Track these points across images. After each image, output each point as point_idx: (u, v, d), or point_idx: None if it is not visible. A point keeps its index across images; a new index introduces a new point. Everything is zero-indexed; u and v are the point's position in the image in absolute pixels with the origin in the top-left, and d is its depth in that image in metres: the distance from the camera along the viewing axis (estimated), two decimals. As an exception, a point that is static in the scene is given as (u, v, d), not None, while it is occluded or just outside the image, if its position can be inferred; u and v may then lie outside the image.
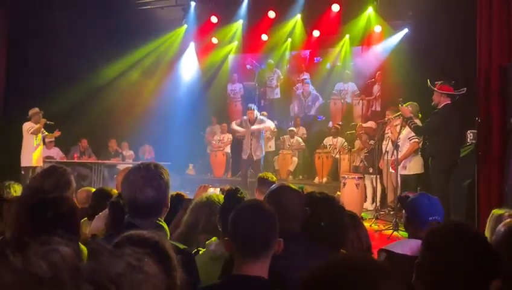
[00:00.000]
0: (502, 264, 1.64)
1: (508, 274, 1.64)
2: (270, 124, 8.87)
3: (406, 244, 2.24)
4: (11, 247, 0.57)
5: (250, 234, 1.60)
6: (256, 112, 8.69)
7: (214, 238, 2.35)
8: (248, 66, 12.45)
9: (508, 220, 1.87)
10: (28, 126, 8.19)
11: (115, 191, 3.22)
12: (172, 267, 1.31)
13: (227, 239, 1.67)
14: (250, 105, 8.89)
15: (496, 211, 2.39)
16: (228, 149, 10.96)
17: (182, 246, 1.89)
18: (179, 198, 3.27)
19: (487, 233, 2.31)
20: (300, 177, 10.53)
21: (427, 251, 1.42)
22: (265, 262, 1.61)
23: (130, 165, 9.26)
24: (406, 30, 9.89)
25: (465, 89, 5.60)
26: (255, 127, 8.51)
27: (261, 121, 8.63)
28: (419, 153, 6.74)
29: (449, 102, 5.62)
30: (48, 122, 8.37)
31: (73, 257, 0.58)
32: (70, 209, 1.70)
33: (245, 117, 8.85)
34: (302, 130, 11.02)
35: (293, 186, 2.09)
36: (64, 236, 1.63)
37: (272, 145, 10.71)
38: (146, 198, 1.81)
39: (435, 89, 5.65)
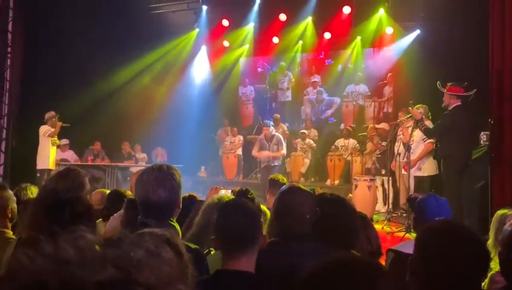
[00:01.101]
0: (509, 263, 1.65)
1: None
2: (283, 153, 8.84)
3: (413, 245, 2.26)
4: (43, 235, 0.63)
5: (233, 229, 1.67)
6: (271, 128, 8.78)
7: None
8: (259, 69, 12.50)
9: (516, 220, 1.88)
10: (44, 129, 8.34)
11: (129, 193, 3.28)
12: (184, 263, 1.35)
13: (214, 237, 1.73)
14: (266, 122, 8.99)
15: (500, 211, 2.39)
16: (240, 151, 11.00)
17: (193, 246, 1.93)
18: (191, 199, 3.31)
19: (491, 233, 2.32)
20: (312, 179, 10.52)
21: (419, 249, 1.45)
22: (250, 257, 1.67)
23: (143, 168, 9.32)
24: (417, 31, 9.84)
25: (475, 90, 5.56)
26: (270, 154, 8.65)
27: (278, 141, 8.69)
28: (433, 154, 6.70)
29: (459, 103, 5.58)
30: (64, 124, 8.51)
31: (98, 242, 0.63)
32: (87, 208, 1.75)
33: (260, 136, 8.93)
34: (314, 132, 11.01)
35: (303, 187, 2.12)
36: (89, 225, 1.69)
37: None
38: (159, 198, 1.86)
39: (444, 90, 5.62)
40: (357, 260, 1.08)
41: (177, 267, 0.70)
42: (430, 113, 6.63)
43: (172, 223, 1.96)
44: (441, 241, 1.39)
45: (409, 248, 2.23)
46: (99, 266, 0.60)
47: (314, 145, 10.51)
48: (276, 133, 8.88)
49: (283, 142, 8.79)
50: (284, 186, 2.17)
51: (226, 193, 3.45)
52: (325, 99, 11.54)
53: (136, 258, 0.64)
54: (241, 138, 11.06)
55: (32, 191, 3.27)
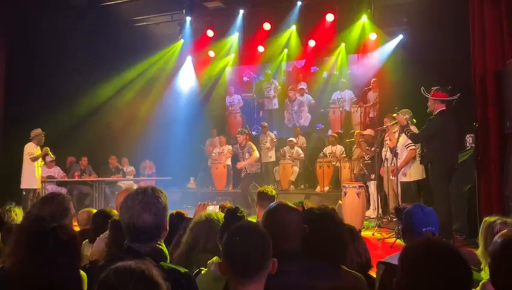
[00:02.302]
0: (499, 275, 1.65)
1: (505, 286, 1.65)
2: (256, 155, 9.05)
3: None
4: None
5: (245, 256, 1.62)
6: (243, 137, 9.05)
7: (215, 258, 2.36)
8: (245, 78, 12.53)
9: (505, 231, 1.88)
10: (29, 149, 8.16)
11: (115, 212, 3.23)
12: None
13: (222, 261, 1.69)
14: (239, 130, 9.31)
15: (487, 219, 2.41)
16: (229, 161, 10.96)
17: (183, 270, 1.90)
18: (179, 216, 3.28)
19: (480, 242, 2.32)
20: (302, 186, 10.53)
21: (402, 272, 1.45)
22: (260, 282, 1.64)
23: (132, 182, 9.18)
24: (400, 36, 9.96)
25: (458, 94, 5.62)
26: (243, 163, 9.02)
27: (249, 149, 9.02)
28: (419, 159, 6.74)
29: (444, 108, 5.63)
30: (49, 152, 8.35)
31: None
32: (71, 237, 1.72)
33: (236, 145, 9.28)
34: (302, 140, 11.04)
35: (290, 205, 2.10)
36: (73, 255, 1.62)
37: (272, 156, 10.72)
38: (144, 223, 1.82)
39: (429, 96, 5.67)
40: None
41: None
42: (414, 118, 6.68)
43: (159, 246, 1.92)
44: (424, 265, 1.39)
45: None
46: None
47: (302, 155, 10.52)
48: (248, 143, 9.10)
49: (252, 153, 8.96)
50: (272, 203, 2.15)
51: (214, 209, 3.41)
52: (298, 99, 11.59)
53: None
54: (230, 147, 11.04)
55: (17, 213, 3.21)
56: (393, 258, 2.41)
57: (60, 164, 9.92)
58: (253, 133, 11.87)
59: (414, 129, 6.09)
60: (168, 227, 1.98)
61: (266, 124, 11.21)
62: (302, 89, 11.65)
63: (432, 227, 2.43)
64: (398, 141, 6.54)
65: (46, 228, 1.80)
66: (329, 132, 11.04)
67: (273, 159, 10.71)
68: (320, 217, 2.11)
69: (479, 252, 2.39)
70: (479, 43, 5.76)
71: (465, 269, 1.40)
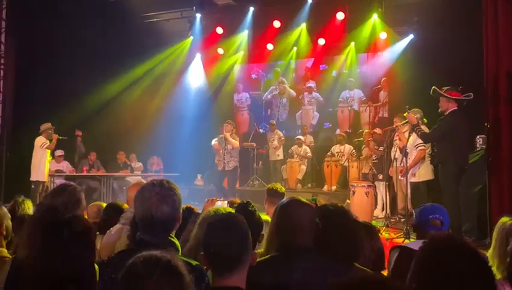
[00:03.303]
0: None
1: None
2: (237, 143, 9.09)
3: (416, 244, 2.24)
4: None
5: (222, 251, 1.63)
6: (231, 126, 9.03)
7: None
8: (253, 76, 12.51)
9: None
10: (41, 141, 8.26)
11: (125, 206, 3.23)
12: (185, 285, 1.32)
13: (202, 254, 1.69)
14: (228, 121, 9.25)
15: (503, 219, 2.37)
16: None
17: (194, 263, 1.89)
18: (189, 211, 3.27)
19: (494, 242, 2.29)
20: (309, 185, 10.50)
21: (418, 267, 1.38)
22: (241, 274, 1.65)
23: (140, 177, 9.20)
24: (411, 36, 9.89)
25: (471, 94, 5.57)
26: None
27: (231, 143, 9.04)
28: (429, 159, 6.68)
29: (456, 108, 5.58)
30: (60, 137, 8.46)
31: None
32: (86, 228, 1.71)
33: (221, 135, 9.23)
34: (310, 138, 11.00)
35: (303, 200, 2.09)
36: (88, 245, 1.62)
37: (280, 154, 10.71)
38: (162, 215, 1.83)
39: (442, 93, 5.62)
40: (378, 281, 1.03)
41: None
42: (424, 118, 6.63)
43: (172, 239, 1.92)
44: (442, 259, 1.34)
45: (414, 246, 2.25)
46: None
47: (310, 154, 10.48)
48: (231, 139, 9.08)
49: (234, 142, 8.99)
50: (285, 199, 2.13)
51: (222, 205, 3.41)
52: (289, 92, 11.68)
53: None
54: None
55: (29, 206, 3.22)
56: (408, 245, 2.42)
57: (69, 158, 9.97)
58: (261, 130, 11.86)
59: (425, 129, 6.05)
60: (181, 220, 1.98)
61: (275, 122, 11.20)
62: (311, 87, 11.62)
63: (440, 216, 2.49)
64: (408, 141, 6.49)
65: (61, 219, 1.80)
66: (338, 131, 11.00)
67: (281, 157, 10.69)
68: (335, 214, 2.09)
69: (489, 253, 2.36)
70: (492, 42, 5.69)
71: (488, 271, 1.35)
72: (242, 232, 1.69)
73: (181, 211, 1.96)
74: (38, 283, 1.43)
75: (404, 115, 6.23)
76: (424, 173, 6.80)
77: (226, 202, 3.74)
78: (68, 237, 1.62)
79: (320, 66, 11.69)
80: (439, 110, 5.70)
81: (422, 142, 6.41)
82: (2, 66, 9.33)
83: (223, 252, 1.63)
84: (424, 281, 1.34)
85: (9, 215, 2.56)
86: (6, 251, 2.40)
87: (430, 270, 1.35)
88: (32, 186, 8.20)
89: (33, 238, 1.74)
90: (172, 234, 1.98)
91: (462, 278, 1.29)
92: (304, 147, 10.53)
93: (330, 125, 11.51)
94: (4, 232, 2.41)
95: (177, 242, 1.99)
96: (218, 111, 12.06)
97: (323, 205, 2.23)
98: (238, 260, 1.64)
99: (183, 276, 1.31)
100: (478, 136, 6.67)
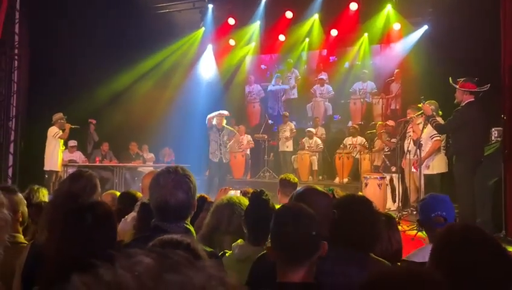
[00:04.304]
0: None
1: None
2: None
3: (425, 251, 2.20)
4: (100, 261, 0.60)
5: (296, 242, 1.54)
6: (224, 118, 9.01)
7: (239, 241, 2.36)
8: (263, 66, 12.44)
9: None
10: (54, 131, 8.35)
11: (139, 194, 3.25)
12: None
13: (270, 247, 1.62)
14: (222, 112, 9.15)
15: None
16: (248, 150, 10.96)
17: (208, 249, 1.89)
18: (202, 200, 3.28)
19: None
20: (320, 177, 10.46)
21: (436, 256, 1.35)
22: (310, 266, 1.57)
23: (152, 168, 9.23)
24: (425, 27, 9.74)
25: (488, 85, 5.48)
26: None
27: (228, 133, 9.18)
28: (443, 151, 6.61)
29: (472, 99, 5.50)
30: (73, 126, 8.54)
31: (156, 267, 0.59)
32: (108, 213, 1.72)
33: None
34: (321, 131, 10.95)
35: (319, 188, 2.07)
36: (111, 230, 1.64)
37: (289, 145, 10.68)
38: (177, 201, 1.82)
39: (457, 86, 5.54)
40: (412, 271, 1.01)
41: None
42: (440, 110, 6.54)
43: (187, 226, 1.92)
44: (459, 248, 1.32)
45: (422, 256, 2.18)
46: None
47: (321, 146, 10.43)
48: (227, 127, 9.09)
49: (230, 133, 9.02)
50: (301, 187, 2.12)
51: (235, 194, 3.41)
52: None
53: (199, 284, 0.60)
54: (250, 138, 11.01)
55: (44, 194, 3.25)
56: (416, 255, 2.36)
57: (82, 149, 10.06)
58: (270, 121, 11.82)
59: (440, 120, 5.97)
60: (196, 207, 1.98)
61: (287, 113, 11.16)
62: (322, 79, 11.53)
63: (443, 212, 2.39)
64: (422, 132, 6.41)
65: (83, 204, 1.81)
66: (350, 123, 10.92)
67: (291, 149, 10.66)
68: (358, 203, 2.05)
69: None
70: (509, 32, 5.58)
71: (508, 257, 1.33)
72: (313, 219, 1.61)
73: (196, 198, 1.95)
74: (61, 268, 1.43)
75: (419, 105, 6.15)
76: (438, 165, 6.73)
77: (239, 191, 3.74)
78: (91, 222, 1.62)
79: (330, 57, 11.59)
80: (455, 101, 5.62)
81: (437, 133, 6.33)
82: (16, 57, 9.41)
83: (297, 243, 1.54)
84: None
85: (25, 201, 2.58)
86: (22, 237, 2.43)
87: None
88: (46, 176, 8.30)
89: (54, 224, 1.74)
90: (188, 221, 1.98)
91: (484, 267, 1.27)
92: (315, 138, 10.48)
93: (340, 117, 11.44)
94: (20, 219, 2.44)
95: (192, 229, 1.99)
96: (230, 102, 12.02)
97: (346, 194, 2.20)
98: (310, 251, 1.57)
99: (203, 259, 1.30)
100: (493, 129, 6.56)
